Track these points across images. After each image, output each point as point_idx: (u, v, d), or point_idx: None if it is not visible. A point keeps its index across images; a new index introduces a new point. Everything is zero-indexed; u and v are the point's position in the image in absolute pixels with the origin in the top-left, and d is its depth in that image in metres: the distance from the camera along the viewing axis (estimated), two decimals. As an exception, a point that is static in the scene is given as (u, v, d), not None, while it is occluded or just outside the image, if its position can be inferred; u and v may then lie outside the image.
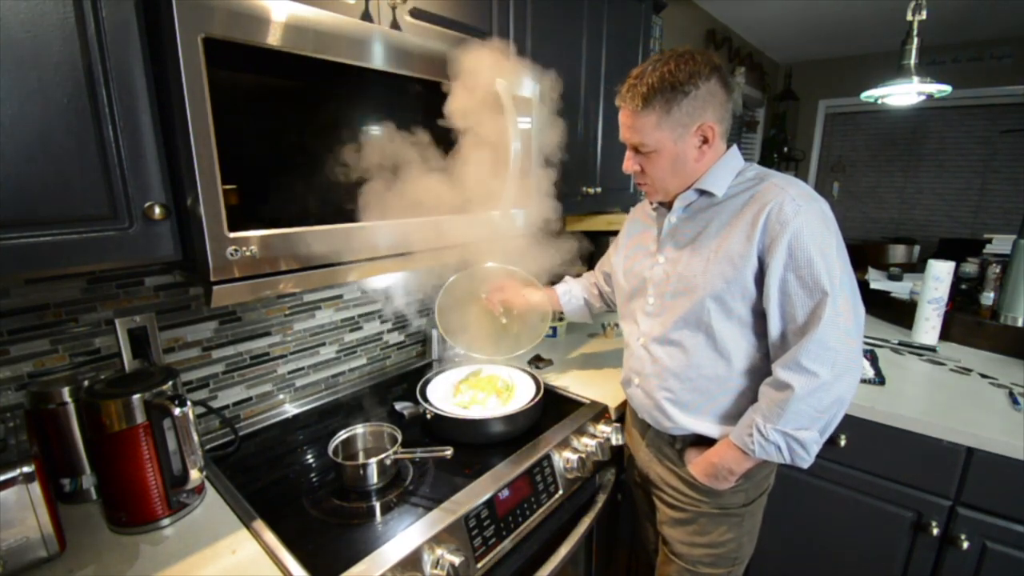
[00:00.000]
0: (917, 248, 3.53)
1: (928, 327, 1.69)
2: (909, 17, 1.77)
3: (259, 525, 0.85)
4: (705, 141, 0.93)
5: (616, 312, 1.23)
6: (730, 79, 0.93)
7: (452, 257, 1.11)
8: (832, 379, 0.85)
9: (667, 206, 1.04)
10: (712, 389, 0.98)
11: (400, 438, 1.00)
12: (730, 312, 0.93)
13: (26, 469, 0.71)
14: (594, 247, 2.18)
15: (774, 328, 0.90)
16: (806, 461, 0.91)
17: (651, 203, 1.10)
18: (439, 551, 0.83)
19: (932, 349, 1.67)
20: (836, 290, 0.84)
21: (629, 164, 0.99)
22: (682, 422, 1.02)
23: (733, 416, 0.98)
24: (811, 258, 0.84)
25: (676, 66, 0.88)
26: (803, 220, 0.85)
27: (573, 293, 1.41)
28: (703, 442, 1.02)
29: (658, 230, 1.06)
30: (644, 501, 1.26)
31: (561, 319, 1.81)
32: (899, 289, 2.08)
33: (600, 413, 1.27)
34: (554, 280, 1.45)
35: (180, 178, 0.71)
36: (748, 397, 0.97)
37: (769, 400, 0.89)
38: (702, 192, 0.97)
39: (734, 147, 0.99)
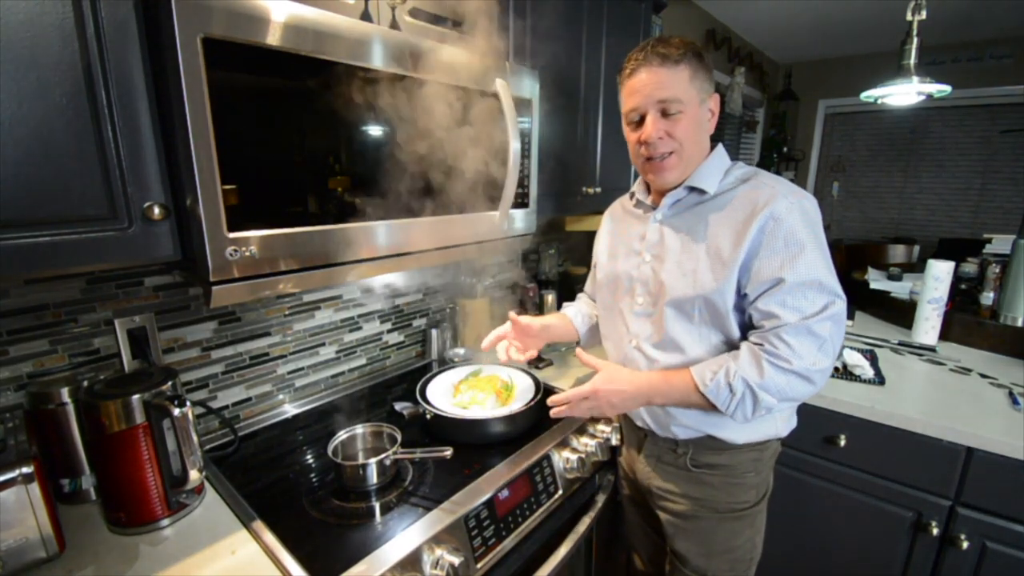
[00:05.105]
0: (917, 248, 3.53)
1: (928, 327, 1.69)
2: (909, 17, 1.77)
3: (259, 525, 0.85)
4: (712, 114, 0.96)
5: None
6: None
7: (452, 257, 1.11)
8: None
9: (652, 203, 1.04)
10: None
11: (400, 438, 1.00)
12: (725, 309, 0.92)
13: (25, 470, 0.71)
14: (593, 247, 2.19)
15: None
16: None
17: (632, 199, 1.10)
18: (439, 551, 0.83)
19: (932, 349, 1.67)
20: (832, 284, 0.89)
21: (653, 128, 0.91)
22: (691, 423, 0.99)
23: None
24: (807, 253, 0.87)
25: (687, 39, 0.92)
26: (797, 216, 0.88)
27: (584, 312, 1.29)
28: (713, 445, 1.00)
29: (644, 227, 1.05)
30: (642, 518, 1.23)
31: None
32: (899, 289, 2.08)
33: (600, 413, 1.27)
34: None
35: (179, 178, 0.71)
36: None
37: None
38: (692, 189, 0.97)
39: (720, 146, 1.00)
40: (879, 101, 2.02)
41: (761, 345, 0.88)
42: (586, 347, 1.29)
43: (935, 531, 1.24)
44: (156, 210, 0.71)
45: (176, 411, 0.81)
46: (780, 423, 1.02)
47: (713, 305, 0.93)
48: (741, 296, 0.92)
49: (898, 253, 3.48)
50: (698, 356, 0.96)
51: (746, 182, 0.94)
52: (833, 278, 0.88)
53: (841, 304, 0.88)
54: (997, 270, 1.73)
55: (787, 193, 0.89)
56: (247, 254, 0.75)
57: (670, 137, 0.92)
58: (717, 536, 1.04)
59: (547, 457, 1.09)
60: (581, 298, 1.36)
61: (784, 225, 0.87)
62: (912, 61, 1.82)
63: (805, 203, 0.89)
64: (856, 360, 1.48)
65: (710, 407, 0.91)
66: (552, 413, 1.01)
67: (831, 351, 0.88)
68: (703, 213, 0.95)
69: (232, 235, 0.73)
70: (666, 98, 0.90)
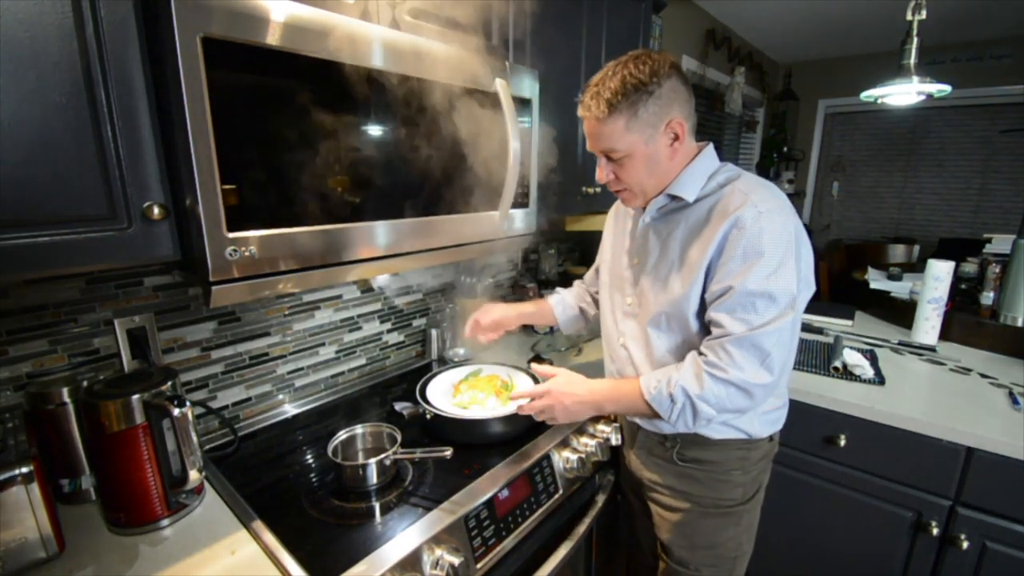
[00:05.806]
0: (917, 248, 3.53)
1: (928, 327, 1.69)
2: (909, 17, 1.77)
3: (258, 525, 0.85)
4: (676, 138, 0.92)
5: None
6: (687, 76, 0.93)
7: (452, 257, 1.11)
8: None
9: (643, 206, 1.04)
10: None
11: (399, 438, 1.00)
12: (691, 314, 0.94)
13: (24, 470, 0.71)
14: (594, 247, 2.19)
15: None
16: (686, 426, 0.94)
17: None
18: (438, 551, 0.83)
19: (932, 349, 1.67)
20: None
21: (602, 174, 0.97)
22: None
23: None
24: (763, 263, 0.85)
25: (636, 67, 0.87)
26: (762, 225, 0.85)
27: (566, 302, 1.34)
28: (697, 440, 1.02)
29: (635, 229, 1.06)
30: (641, 509, 1.25)
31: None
32: (899, 289, 2.08)
33: (600, 413, 1.27)
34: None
35: (179, 178, 0.71)
36: None
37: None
38: (673, 197, 0.97)
39: (709, 147, 0.99)
40: (879, 101, 2.01)
41: (705, 356, 0.89)
42: (565, 332, 1.38)
43: (935, 531, 1.24)
44: (156, 210, 0.70)
45: (176, 411, 0.81)
46: (757, 424, 1.01)
47: (681, 310, 0.95)
48: (703, 302, 0.93)
49: (898, 253, 3.48)
50: (663, 359, 0.99)
51: (725, 187, 0.93)
52: (788, 291, 0.85)
53: (792, 316, 0.86)
54: (997, 270, 1.73)
55: (758, 201, 0.87)
56: (247, 254, 0.75)
57: (617, 179, 0.97)
58: (699, 530, 1.06)
59: (547, 457, 1.09)
60: (576, 285, 1.40)
61: (747, 234, 0.85)
62: (912, 61, 1.82)
63: (775, 212, 0.86)
64: (856, 360, 1.48)
65: (655, 415, 0.93)
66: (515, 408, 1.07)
67: (775, 366, 0.87)
68: (681, 219, 0.96)
69: (232, 235, 0.73)
70: (604, 149, 0.93)
